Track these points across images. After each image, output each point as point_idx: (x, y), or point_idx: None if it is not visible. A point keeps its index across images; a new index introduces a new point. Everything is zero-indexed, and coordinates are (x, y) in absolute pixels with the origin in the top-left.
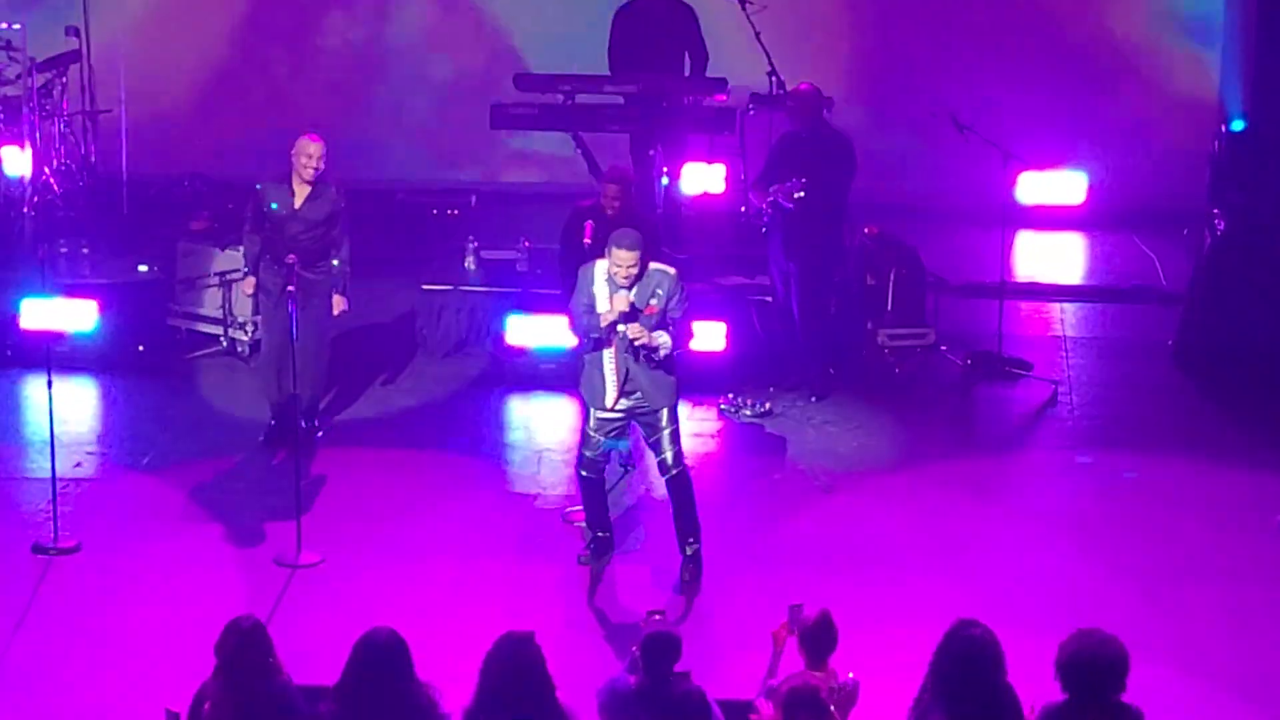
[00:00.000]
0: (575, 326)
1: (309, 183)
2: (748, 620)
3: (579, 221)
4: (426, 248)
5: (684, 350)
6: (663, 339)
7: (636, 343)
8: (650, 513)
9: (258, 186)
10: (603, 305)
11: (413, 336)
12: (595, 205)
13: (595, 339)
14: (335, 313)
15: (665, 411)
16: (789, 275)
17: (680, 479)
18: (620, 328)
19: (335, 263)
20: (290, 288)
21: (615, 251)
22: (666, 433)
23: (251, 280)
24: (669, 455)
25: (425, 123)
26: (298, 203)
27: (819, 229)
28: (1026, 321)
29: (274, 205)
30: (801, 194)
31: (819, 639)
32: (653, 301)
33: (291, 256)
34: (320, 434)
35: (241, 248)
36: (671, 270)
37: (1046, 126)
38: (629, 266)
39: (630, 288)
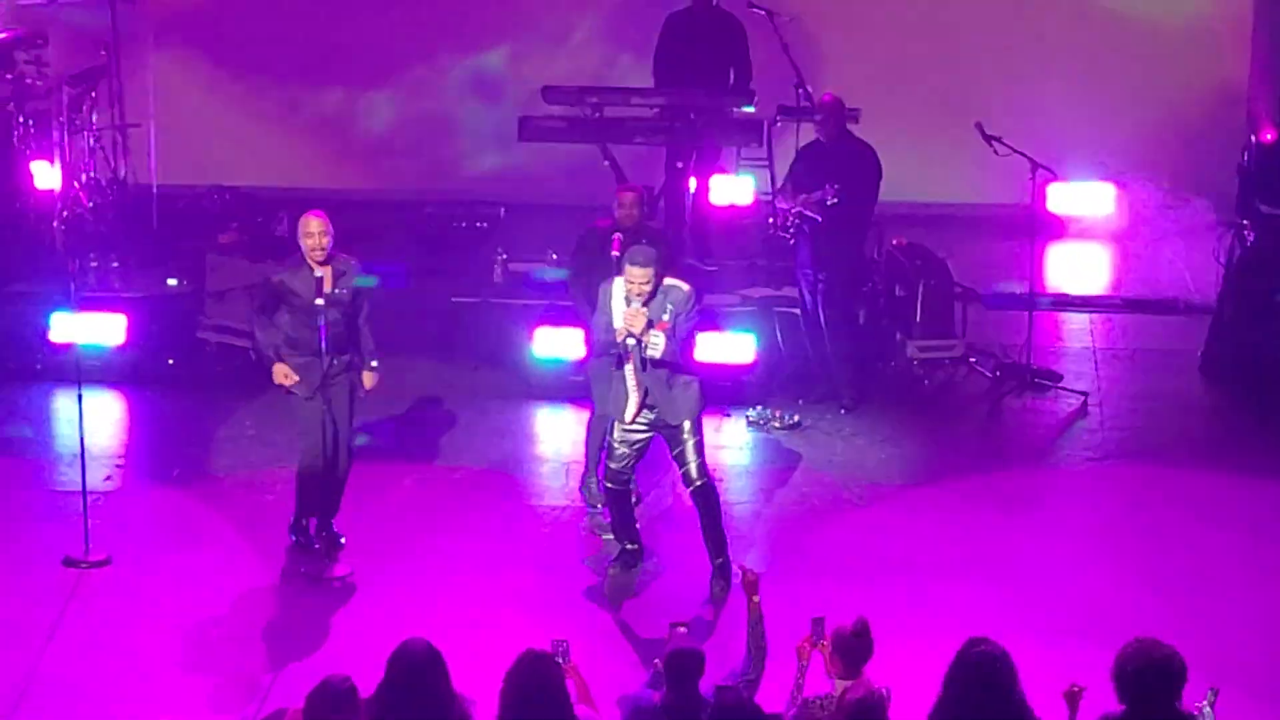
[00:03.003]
0: (592, 342)
1: (325, 263)
2: (775, 633)
3: (593, 241)
4: (455, 260)
5: (686, 361)
6: (655, 339)
7: (629, 324)
8: (679, 525)
9: (274, 279)
10: (619, 321)
11: (441, 349)
12: (612, 223)
13: (616, 355)
14: (369, 387)
15: (687, 424)
16: (816, 286)
17: (705, 491)
18: (629, 364)
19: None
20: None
21: (629, 268)
22: (689, 445)
23: (284, 367)
24: (692, 468)
25: (453, 134)
26: (328, 286)
27: (845, 240)
28: (1056, 332)
29: (302, 295)
30: (834, 200)
31: (855, 648)
32: (665, 316)
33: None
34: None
35: (257, 338)
36: (686, 286)
37: (1076, 137)
38: (642, 283)
39: (646, 304)
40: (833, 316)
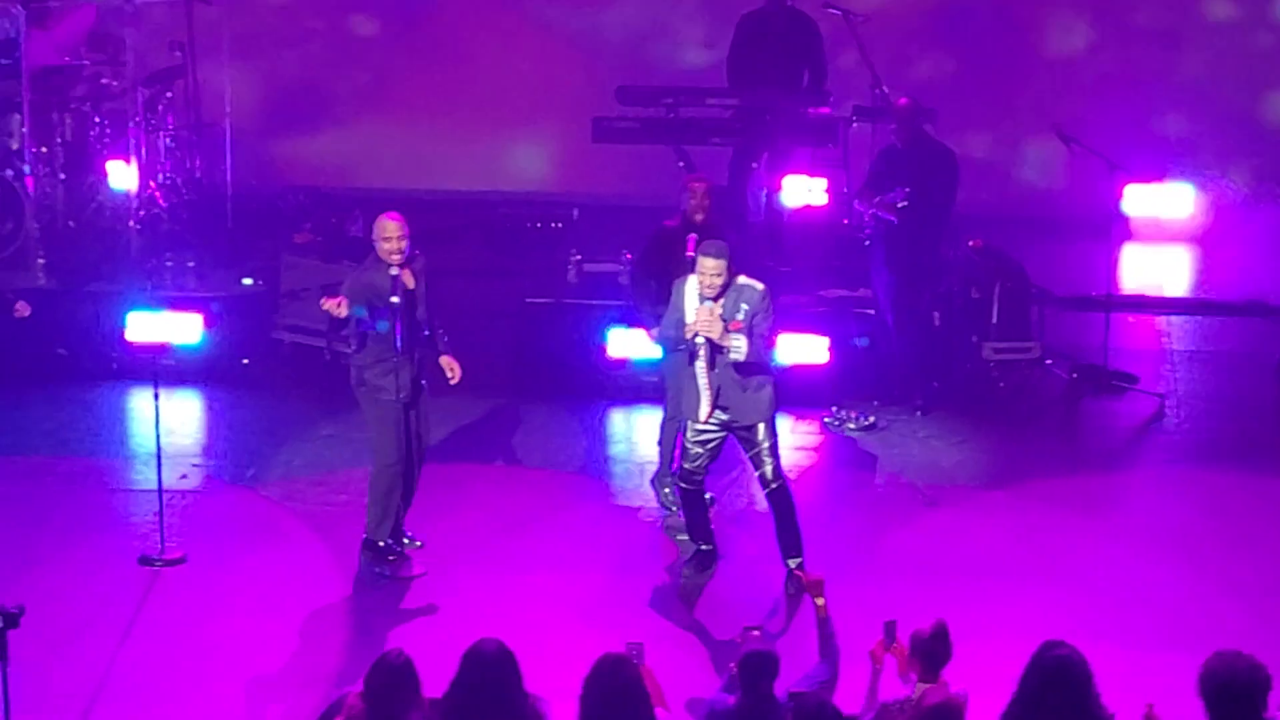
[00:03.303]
0: (660, 337)
1: (404, 265)
2: (850, 636)
3: (663, 241)
4: (529, 260)
5: (764, 361)
6: (735, 342)
7: (703, 331)
8: (753, 526)
9: (351, 277)
10: (691, 317)
11: (515, 350)
12: (681, 219)
13: (689, 352)
14: (455, 379)
15: (762, 426)
16: (890, 287)
17: (780, 492)
18: (700, 361)
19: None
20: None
21: (701, 259)
22: (764, 447)
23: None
24: (768, 469)
25: (527, 134)
26: (409, 284)
27: (920, 241)
28: (1133, 334)
29: (382, 295)
30: (904, 203)
31: (934, 650)
32: (739, 316)
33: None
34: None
35: (330, 335)
36: (760, 285)
37: (1154, 137)
38: (713, 275)
39: (716, 299)
40: (903, 318)
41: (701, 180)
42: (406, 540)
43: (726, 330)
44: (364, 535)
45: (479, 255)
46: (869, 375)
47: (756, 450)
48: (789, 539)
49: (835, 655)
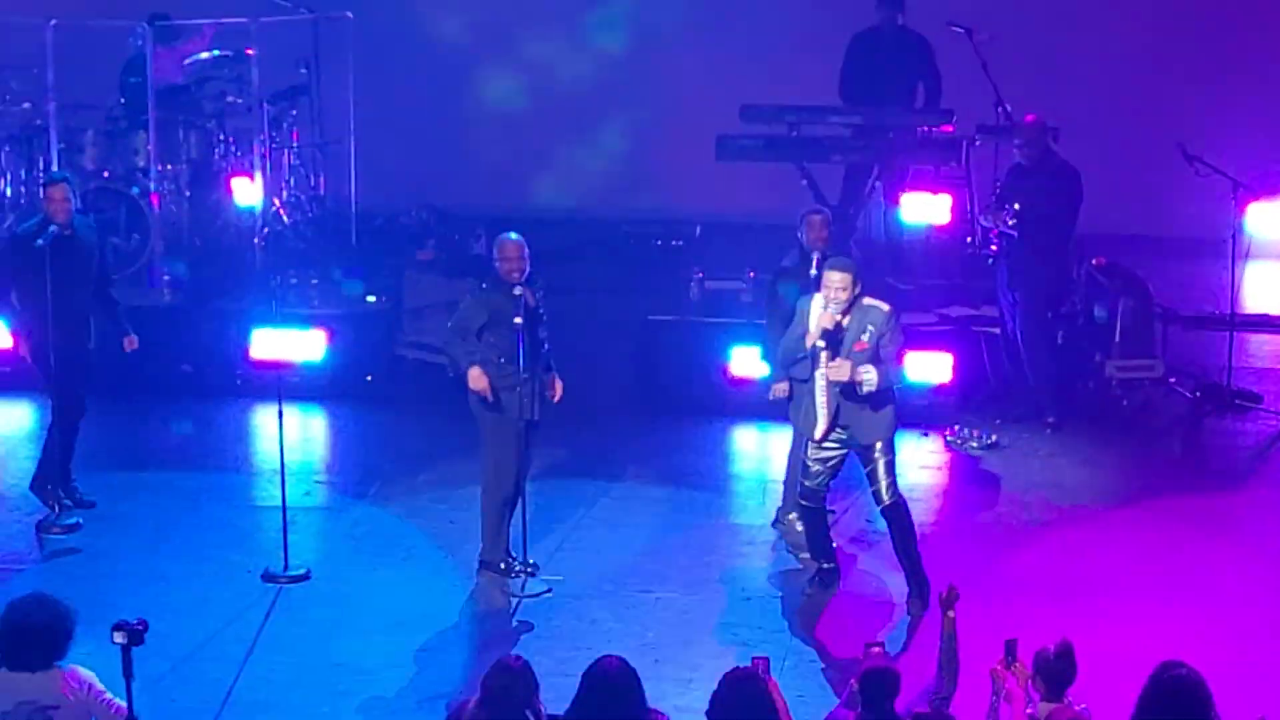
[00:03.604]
0: (775, 355)
1: (525, 284)
2: (971, 654)
3: (785, 281)
4: (651, 278)
5: (895, 385)
6: (867, 375)
7: (834, 379)
8: (875, 544)
9: (477, 297)
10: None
11: (637, 367)
12: (801, 255)
13: (810, 366)
14: (555, 398)
15: (880, 444)
16: (1014, 305)
17: (895, 511)
18: (820, 370)
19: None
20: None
21: (828, 273)
22: (881, 464)
23: (479, 371)
24: (883, 487)
25: (649, 151)
26: (531, 302)
27: (1043, 259)
28: (1257, 354)
29: (504, 313)
30: (1013, 221)
31: (1059, 670)
32: (864, 337)
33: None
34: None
35: (454, 350)
36: (885, 306)
37: (1278, 155)
38: (838, 289)
39: (843, 316)
40: (1029, 336)
41: (819, 211)
42: (518, 559)
43: (855, 365)
44: (480, 553)
45: (602, 273)
46: (993, 393)
47: (873, 467)
48: (907, 556)
49: (956, 671)
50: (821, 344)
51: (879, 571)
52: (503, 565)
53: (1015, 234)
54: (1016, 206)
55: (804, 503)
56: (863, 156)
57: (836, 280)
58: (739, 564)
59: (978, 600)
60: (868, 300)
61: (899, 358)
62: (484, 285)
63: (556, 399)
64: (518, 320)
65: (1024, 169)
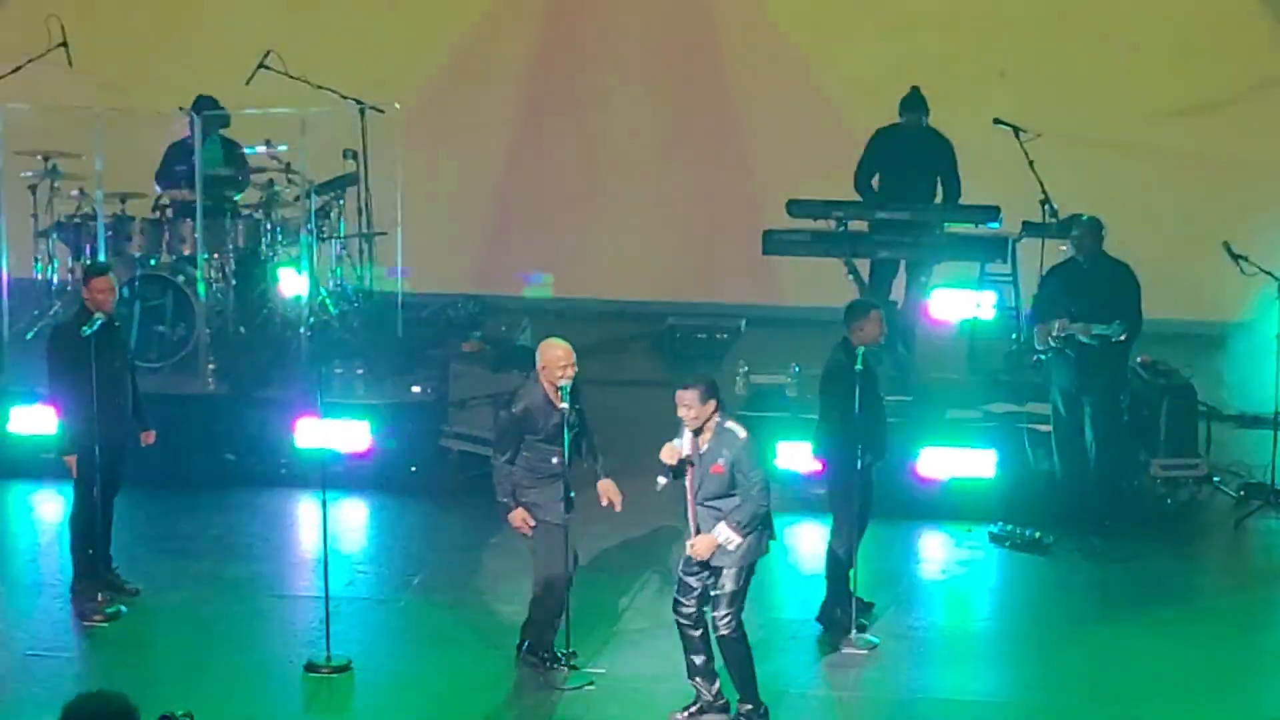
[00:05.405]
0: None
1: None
2: None
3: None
4: (696, 371)
5: (757, 515)
6: (725, 540)
7: (696, 559)
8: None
9: (514, 410)
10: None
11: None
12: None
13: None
14: (617, 508)
15: (729, 572)
16: (1081, 408)
17: (725, 643)
18: (689, 544)
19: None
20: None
21: (678, 392)
22: (723, 593)
23: (521, 512)
24: (720, 613)
25: (694, 245)
26: (565, 406)
27: (1114, 362)
28: None
29: (544, 415)
30: (1123, 338)
31: None
32: (720, 460)
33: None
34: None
35: (495, 476)
36: (743, 433)
37: None
38: (684, 407)
39: (700, 436)
40: (1102, 436)
41: (871, 307)
42: (564, 654)
43: (710, 482)
44: (521, 645)
45: (646, 365)
46: (1039, 491)
47: (717, 594)
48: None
49: None
50: (662, 481)
51: (920, 666)
52: (543, 655)
53: (1093, 343)
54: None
55: (676, 615)
56: (909, 252)
57: (684, 398)
58: (781, 657)
59: (1024, 700)
60: (729, 423)
61: (759, 487)
62: (526, 388)
63: (616, 509)
64: (563, 406)
65: (1077, 267)
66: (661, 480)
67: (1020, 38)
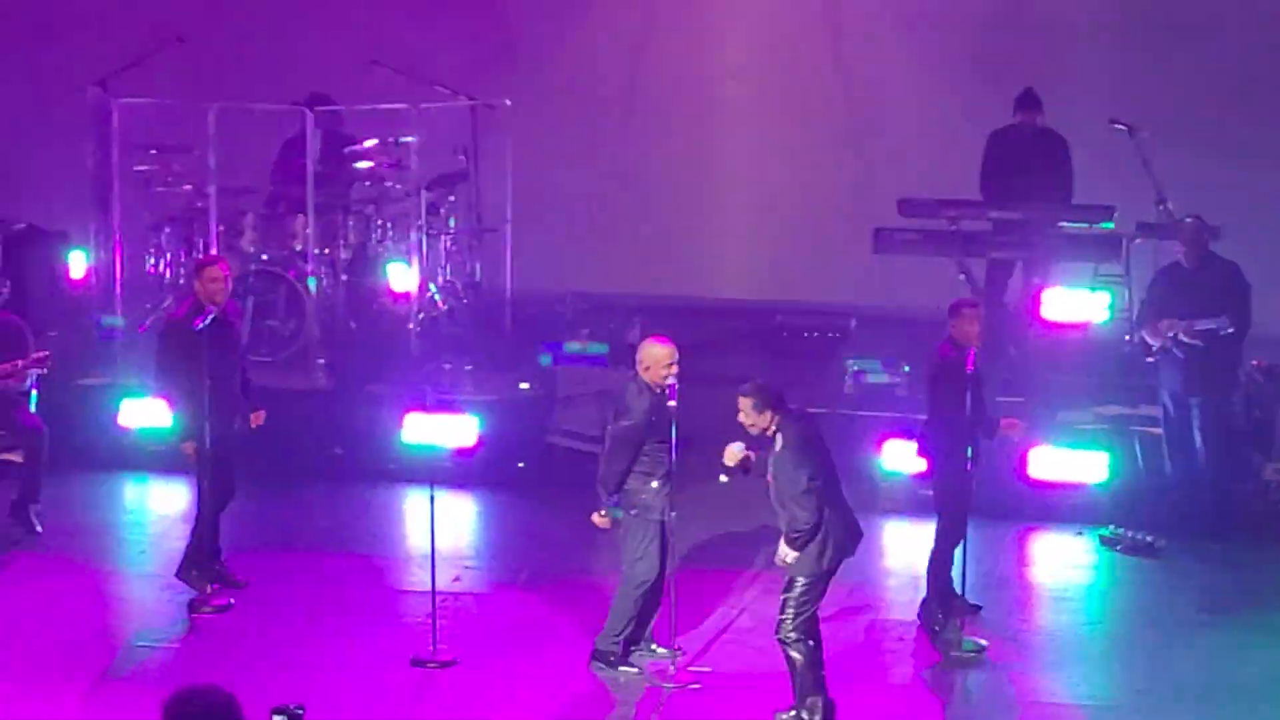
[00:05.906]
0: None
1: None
2: None
3: (947, 372)
4: (805, 370)
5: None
6: (780, 551)
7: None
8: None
9: (636, 420)
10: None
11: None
12: (950, 344)
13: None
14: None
15: (797, 580)
16: (1188, 407)
17: (784, 646)
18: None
19: None
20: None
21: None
22: (787, 597)
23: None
24: (784, 618)
25: (804, 242)
26: (673, 404)
27: (1224, 363)
28: None
29: (658, 417)
30: (1230, 330)
31: None
32: (769, 472)
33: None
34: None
35: (609, 473)
36: (779, 443)
37: None
38: (740, 412)
39: (761, 438)
40: (1211, 438)
41: (971, 304)
42: (656, 648)
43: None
44: (597, 640)
45: (755, 364)
46: (1151, 494)
47: (784, 598)
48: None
49: None
50: (723, 478)
51: (1029, 670)
52: (612, 658)
53: (1201, 343)
54: (1227, 319)
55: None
56: (1022, 252)
57: (740, 405)
58: (887, 658)
59: (1133, 705)
60: (779, 434)
61: (794, 499)
62: (633, 392)
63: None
64: (669, 410)
65: (1184, 270)
66: (723, 477)
67: (1131, 38)
